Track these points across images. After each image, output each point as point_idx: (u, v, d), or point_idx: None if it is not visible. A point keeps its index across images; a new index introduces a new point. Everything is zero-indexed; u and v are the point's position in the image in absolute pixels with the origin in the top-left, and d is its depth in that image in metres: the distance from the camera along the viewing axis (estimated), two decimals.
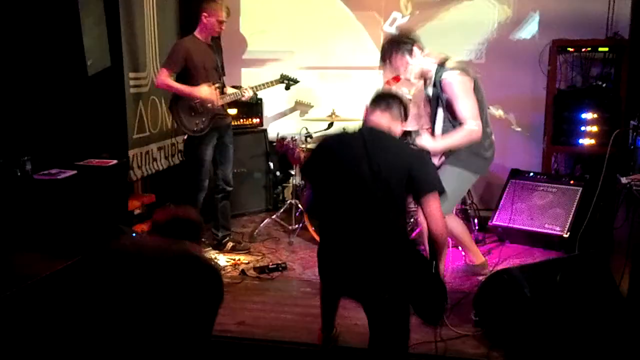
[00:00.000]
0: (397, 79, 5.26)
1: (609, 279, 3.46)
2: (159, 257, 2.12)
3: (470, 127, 3.59)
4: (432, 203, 2.69)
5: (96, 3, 4.27)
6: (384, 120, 2.87)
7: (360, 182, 2.69)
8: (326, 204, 2.84)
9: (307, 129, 5.48)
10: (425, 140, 3.63)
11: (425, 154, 2.88)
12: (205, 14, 4.45)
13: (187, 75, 4.42)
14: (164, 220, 2.41)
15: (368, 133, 2.83)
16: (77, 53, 4.01)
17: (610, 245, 3.87)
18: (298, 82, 5.01)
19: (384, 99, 2.92)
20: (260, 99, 5.92)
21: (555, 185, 4.88)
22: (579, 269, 3.45)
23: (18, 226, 3.55)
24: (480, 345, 3.26)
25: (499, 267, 4.19)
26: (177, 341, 2.05)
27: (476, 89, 3.68)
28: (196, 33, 4.53)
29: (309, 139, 5.44)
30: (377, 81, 5.80)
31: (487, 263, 4.25)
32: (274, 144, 5.76)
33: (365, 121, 2.95)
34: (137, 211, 4.76)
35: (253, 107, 5.90)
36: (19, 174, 3.68)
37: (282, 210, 5.47)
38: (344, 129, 2.94)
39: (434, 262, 2.73)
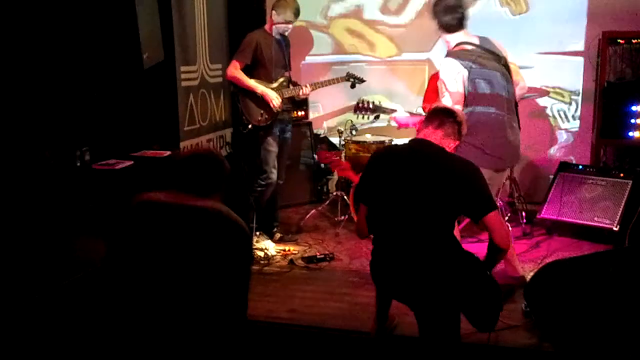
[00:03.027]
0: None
1: None
2: (184, 214, 2.19)
3: None
4: (493, 220, 2.70)
5: None
6: (436, 136, 2.87)
7: (409, 195, 2.74)
8: (377, 216, 2.91)
9: (352, 121, 5.53)
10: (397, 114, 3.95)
11: (474, 168, 2.83)
12: (274, 11, 4.57)
13: (253, 67, 4.55)
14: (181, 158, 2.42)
15: (417, 146, 2.87)
16: (133, 46, 4.12)
17: None
18: (364, 81, 5.02)
19: (437, 116, 2.92)
20: None
21: (604, 179, 4.82)
22: (631, 262, 3.41)
23: (78, 214, 3.67)
24: (532, 336, 3.27)
25: (548, 260, 4.17)
26: (209, 300, 2.10)
27: (470, 80, 3.58)
28: (266, 27, 4.66)
29: (354, 131, 5.49)
30: (423, 73, 5.83)
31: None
32: (317, 151, 5.81)
33: (416, 134, 2.98)
34: None
35: (298, 100, 5.96)
36: (78, 164, 3.81)
37: (327, 202, 5.53)
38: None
39: (488, 265, 2.80)
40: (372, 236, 3.02)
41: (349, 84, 4.98)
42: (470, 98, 3.60)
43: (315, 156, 5.98)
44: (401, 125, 3.95)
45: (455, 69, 3.59)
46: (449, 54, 3.69)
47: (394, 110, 4.18)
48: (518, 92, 3.83)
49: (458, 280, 2.70)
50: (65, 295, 3.25)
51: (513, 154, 3.79)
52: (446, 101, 3.59)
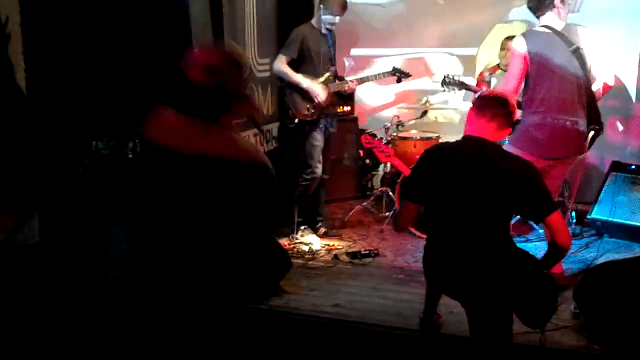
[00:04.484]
0: (494, 68, 5.21)
1: None
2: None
3: (502, 87, 3.88)
4: (555, 221, 2.65)
5: None
6: (490, 129, 2.78)
7: (467, 196, 2.69)
8: (432, 214, 2.88)
9: (398, 117, 5.51)
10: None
11: (533, 168, 2.77)
12: (321, 5, 4.59)
13: (300, 62, 4.58)
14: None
15: (473, 145, 2.78)
16: (185, 40, 4.17)
17: None
18: (410, 75, 4.99)
19: (490, 107, 2.79)
20: None
21: None
22: None
23: (129, 205, 3.74)
24: (581, 338, 3.21)
25: (598, 261, 4.09)
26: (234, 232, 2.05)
27: (533, 64, 3.68)
28: (313, 21, 4.68)
29: (400, 127, 5.46)
30: (472, 68, 5.76)
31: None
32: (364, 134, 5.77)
33: (468, 127, 2.87)
34: None
35: (345, 94, 5.95)
36: (130, 155, 3.88)
37: (372, 198, 5.52)
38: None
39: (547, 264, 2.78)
40: (411, 230, 3.00)
41: (395, 78, 4.97)
42: (530, 79, 3.71)
43: (361, 151, 5.96)
44: None
45: (520, 47, 3.71)
46: (524, 33, 3.81)
47: (480, 89, 4.34)
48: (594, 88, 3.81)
49: (513, 279, 2.67)
50: (109, 287, 3.33)
51: (570, 144, 3.76)
52: (509, 76, 3.77)
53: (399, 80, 4.98)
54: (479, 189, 2.67)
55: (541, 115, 3.69)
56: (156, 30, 4.12)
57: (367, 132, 5.68)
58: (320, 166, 4.74)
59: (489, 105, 2.80)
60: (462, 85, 4.60)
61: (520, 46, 3.69)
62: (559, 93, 3.68)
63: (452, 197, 2.74)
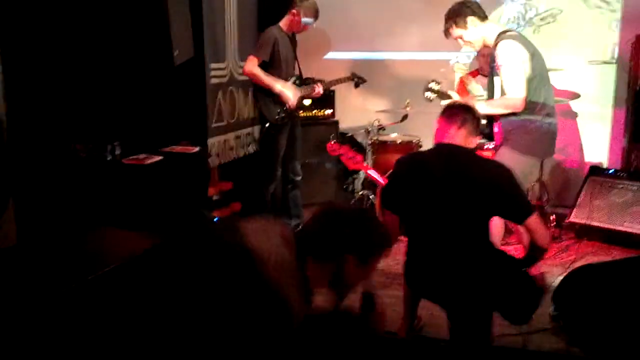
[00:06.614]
0: (474, 73, 5.24)
1: None
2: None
3: (510, 96, 3.55)
4: (534, 223, 2.70)
5: None
6: (460, 137, 2.85)
7: (447, 203, 2.72)
8: (412, 223, 2.91)
9: (379, 120, 5.51)
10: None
11: (509, 172, 2.79)
12: (294, 10, 4.59)
13: (268, 64, 4.56)
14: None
15: (448, 152, 2.82)
16: (165, 43, 4.14)
17: None
18: (365, 81, 5.09)
19: (458, 115, 2.88)
20: (333, 91, 5.96)
21: (635, 183, 4.74)
22: None
23: (107, 207, 3.71)
24: (559, 341, 3.24)
25: (577, 265, 4.12)
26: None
27: (534, 62, 3.56)
28: (281, 24, 4.68)
29: (381, 131, 5.47)
30: (451, 71, 5.78)
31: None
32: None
33: (437, 137, 2.92)
34: (215, 197, 4.91)
35: (326, 98, 5.96)
36: (109, 158, 3.85)
37: (353, 201, 5.52)
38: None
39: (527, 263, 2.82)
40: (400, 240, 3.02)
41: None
42: (534, 84, 3.57)
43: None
44: None
45: (520, 51, 3.54)
46: (508, 37, 3.60)
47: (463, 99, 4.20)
48: None
49: (494, 282, 2.70)
50: (91, 290, 3.29)
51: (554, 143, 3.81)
52: (510, 87, 3.54)
53: (356, 85, 5.04)
54: (457, 195, 2.70)
55: (547, 118, 3.66)
56: (136, 35, 4.11)
57: (333, 139, 5.66)
58: (280, 168, 4.78)
59: (458, 112, 2.89)
60: (445, 96, 4.37)
61: (520, 49, 3.55)
62: (551, 94, 3.72)
63: (431, 205, 2.77)
